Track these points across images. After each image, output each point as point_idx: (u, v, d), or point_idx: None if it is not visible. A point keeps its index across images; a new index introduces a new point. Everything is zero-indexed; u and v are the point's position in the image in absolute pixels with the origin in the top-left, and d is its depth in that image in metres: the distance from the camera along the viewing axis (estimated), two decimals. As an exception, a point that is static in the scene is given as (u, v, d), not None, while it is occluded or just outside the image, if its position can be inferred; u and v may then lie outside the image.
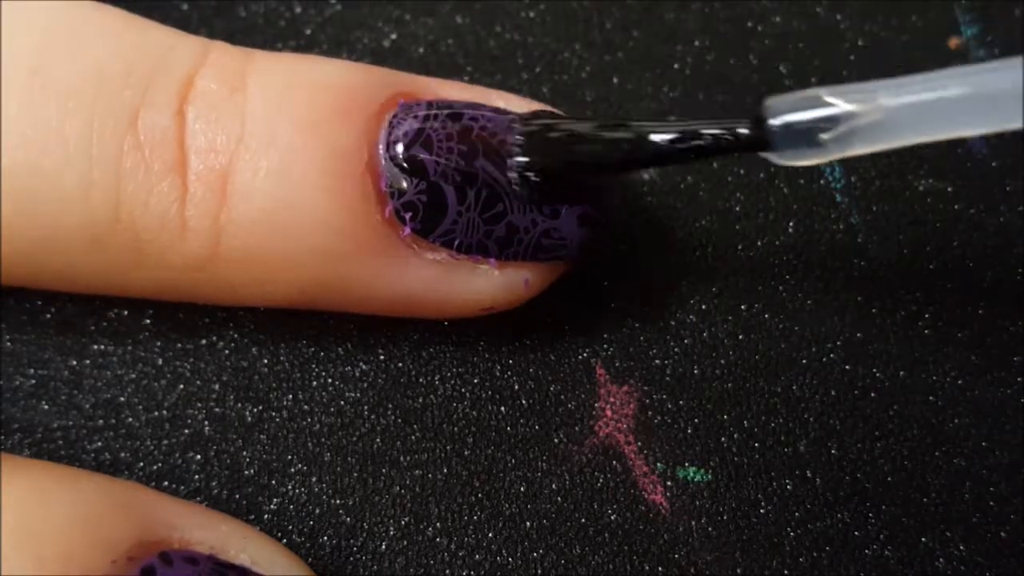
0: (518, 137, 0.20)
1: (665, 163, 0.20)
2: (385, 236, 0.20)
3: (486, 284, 0.20)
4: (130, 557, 0.18)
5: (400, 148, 0.19)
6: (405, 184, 0.19)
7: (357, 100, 0.20)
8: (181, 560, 0.18)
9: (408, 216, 0.19)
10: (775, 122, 0.18)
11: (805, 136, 0.18)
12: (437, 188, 0.19)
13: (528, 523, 0.21)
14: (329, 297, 0.20)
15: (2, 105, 0.19)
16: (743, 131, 0.19)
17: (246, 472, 0.22)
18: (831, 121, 0.18)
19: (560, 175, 0.20)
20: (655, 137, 0.19)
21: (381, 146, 0.19)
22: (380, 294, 0.20)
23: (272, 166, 0.19)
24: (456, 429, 0.22)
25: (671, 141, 0.19)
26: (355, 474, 0.22)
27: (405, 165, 0.19)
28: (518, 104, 0.21)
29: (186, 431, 0.22)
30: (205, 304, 0.22)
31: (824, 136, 0.18)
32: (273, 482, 0.22)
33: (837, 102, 0.18)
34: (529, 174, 0.19)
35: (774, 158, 0.19)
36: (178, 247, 0.19)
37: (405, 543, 0.21)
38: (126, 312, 0.22)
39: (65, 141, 0.19)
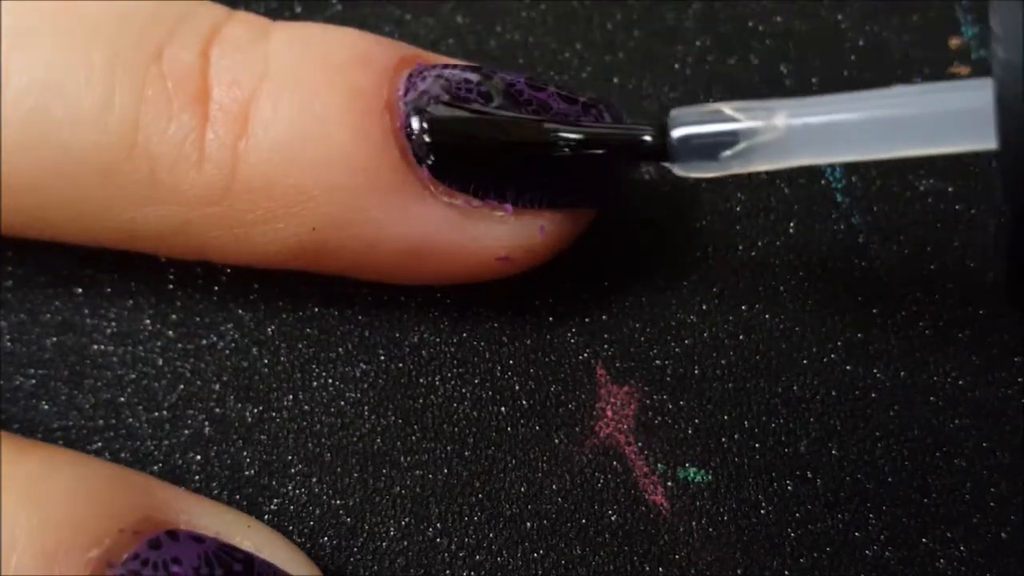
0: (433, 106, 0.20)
1: (568, 167, 0.20)
2: (402, 175, 0.20)
3: (502, 230, 0.20)
4: (136, 531, 0.18)
5: (419, 91, 0.20)
6: (423, 124, 0.20)
7: (376, 53, 0.20)
8: (188, 537, 0.19)
9: (425, 159, 0.20)
10: (676, 134, 0.19)
11: (705, 150, 0.18)
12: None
13: (528, 523, 0.21)
14: (340, 239, 0.20)
15: (31, 27, 0.19)
16: (646, 139, 0.19)
17: (246, 473, 0.22)
18: (731, 136, 0.18)
19: (461, 157, 0.20)
20: (558, 141, 0.19)
21: (400, 91, 0.20)
22: (393, 236, 0.20)
23: (294, 99, 0.19)
24: (456, 430, 0.22)
25: (573, 145, 0.19)
26: (355, 474, 0.22)
27: (424, 107, 0.20)
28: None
29: (186, 431, 0.22)
30: (210, 259, 0.21)
31: (725, 152, 0.18)
32: (273, 483, 0.22)
33: (739, 117, 0.18)
34: (427, 142, 0.20)
35: (675, 168, 0.19)
36: (194, 177, 0.19)
37: (405, 543, 0.21)
38: (126, 312, 0.22)
39: (89, 65, 0.19)
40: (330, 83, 0.19)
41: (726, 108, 0.18)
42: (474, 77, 0.20)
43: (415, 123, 0.20)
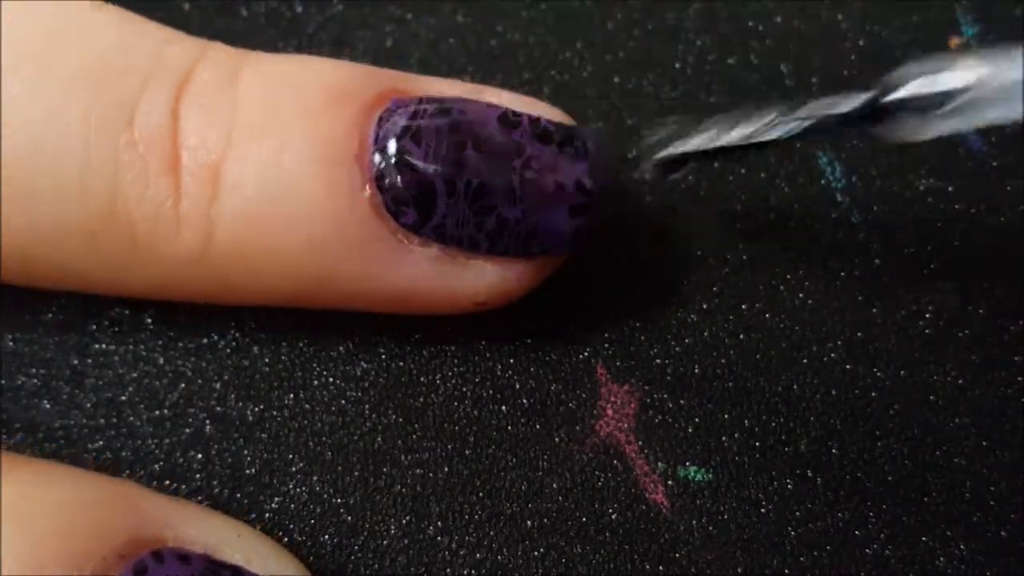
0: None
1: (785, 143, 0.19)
2: (375, 228, 0.20)
3: (478, 278, 0.20)
4: (122, 555, 0.18)
5: (390, 141, 0.19)
6: (395, 176, 0.19)
7: (348, 92, 0.20)
8: (173, 558, 0.18)
9: (398, 208, 0.20)
10: (892, 97, 0.18)
11: (921, 109, 0.17)
12: (426, 181, 0.19)
13: (529, 522, 0.21)
14: (321, 292, 0.20)
15: (7, 92, 0.19)
16: (860, 106, 0.18)
17: (247, 471, 0.22)
18: (948, 96, 0.17)
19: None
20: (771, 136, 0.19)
21: (371, 139, 0.20)
22: (371, 288, 0.20)
23: (261, 156, 0.19)
24: (457, 428, 0.22)
25: (792, 132, 0.19)
26: (356, 473, 0.22)
27: (395, 158, 0.19)
28: (510, 100, 0.21)
29: (187, 430, 0.22)
30: (203, 302, 0.21)
31: (943, 108, 0.17)
32: (274, 481, 0.22)
33: (956, 75, 0.17)
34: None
35: (887, 133, 0.18)
36: (172, 241, 0.19)
37: (406, 542, 0.21)
38: (127, 311, 0.22)
39: (66, 131, 0.19)
40: (298, 134, 0.19)
41: (948, 63, 0.17)
42: (444, 125, 0.20)
43: (386, 174, 0.19)
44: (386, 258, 0.20)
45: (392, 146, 0.19)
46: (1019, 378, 0.22)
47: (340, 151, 0.19)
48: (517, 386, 0.22)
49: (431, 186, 0.19)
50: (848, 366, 0.23)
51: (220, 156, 0.19)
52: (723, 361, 0.22)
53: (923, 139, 0.18)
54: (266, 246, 0.19)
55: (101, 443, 0.22)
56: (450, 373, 0.22)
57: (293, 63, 0.20)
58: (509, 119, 0.20)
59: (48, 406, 0.22)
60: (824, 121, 0.19)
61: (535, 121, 0.20)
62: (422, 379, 0.22)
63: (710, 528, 0.21)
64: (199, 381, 0.22)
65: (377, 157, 0.19)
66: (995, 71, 0.17)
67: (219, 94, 0.19)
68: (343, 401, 0.22)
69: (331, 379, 0.22)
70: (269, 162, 0.19)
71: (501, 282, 0.21)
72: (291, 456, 0.22)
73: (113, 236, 0.19)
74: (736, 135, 0.19)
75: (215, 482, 0.21)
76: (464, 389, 0.22)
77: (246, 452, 0.22)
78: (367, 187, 0.19)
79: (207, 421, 0.22)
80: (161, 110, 0.19)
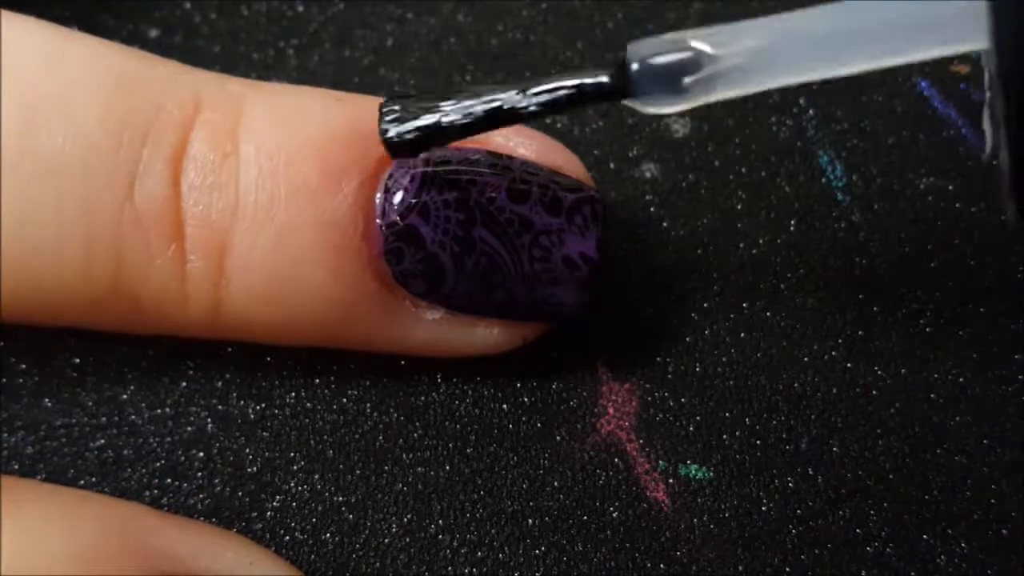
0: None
1: (528, 121, 0.19)
2: (382, 302, 0.20)
3: (484, 338, 0.21)
4: None
5: (396, 216, 0.19)
6: (403, 252, 0.19)
7: (351, 161, 0.19)
8: None
9: (406, 283, 0.20)
10: (636, 65, 0.17)
11: (667, 80, 0.17)
12: (435, 257, 0.19)
13: (530, 520, 0.21)
14: (332, 347, 0.21)
15: None
16: (603, 80, 0.18)
17: (249, 469, 0.22)
18: (694, 64, 0.17)
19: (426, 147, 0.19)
20: (511, 106, 0.18)
21: (378, 214, 0.19)
22: (381, 348, 0.21)
23: (268, 241, 0.19)
24: (458, 427, 0.22)
25: (529, 107, 0.18)
26: (357, 471, 0.22)
27: (403, 234, 0.19)
28: (518, 138, 0.21)
29: (189, 428, 0.22)
30: None
31: (687, 80, 0.17)
32: (276, 479, 0.22)
33: (700, 45, 0.17)
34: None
35: (638, 105, 0.18)
36: (179, 314, 0.19)
37: (407, 540, 0.21)
38: (129, 310, 0.22)
39: (62, 220, 0.18)
40: (303, 217, 0.19)
41: (687, 36, 0.17)
42: (453, 200, 0.20)
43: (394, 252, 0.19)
44: (393, 326, 0.20)
45: (400, 222, 0.19)
46: (1019, 377, 0.23)
47: (346, 234, 0.19)
48: (518, 384, 0.22)
49: (439, 262, 0.20)
50: (848, 364, 0.23)
51: (225, 235, 0.19)
52: (724, 360, 0.23)
53: (672, 111, 0.18)
54: (274, 322, 0.20)
55: (103, 441, 0.22)
56: (451, 371, 0.22)
57: (291, 121, 0.19)
58: (519, 189, 0.20)
59: (49, 404, 0.22)
60: (560, 96, 0.18)
61: (545, 189, 0.20)
62: (423, 377, 0.22)
63: (711, 526, 0.21)
64: (201, 379, 0.22)
65: (385, 231, 0.19)
66: (729, 40, 0.17)
67: (218, 170, 0.19)
68: (344, 399, 0.22)
69: (332, 377, 0.22)
70: (275, 248, 0.19)
71: (507, 342, 0.21)
72: (292, 454, 0.22)
73: (119, 309, 0.19)
74: (468, 112, 0.18)
75: (216, 480, 0.21)
76: (465, 387, 0.22)
77: (248, 450, 0.22)
78: (374, 263, 0.20)
79: (208, 419, 0.22)
80: (161, 183, 0.19)
